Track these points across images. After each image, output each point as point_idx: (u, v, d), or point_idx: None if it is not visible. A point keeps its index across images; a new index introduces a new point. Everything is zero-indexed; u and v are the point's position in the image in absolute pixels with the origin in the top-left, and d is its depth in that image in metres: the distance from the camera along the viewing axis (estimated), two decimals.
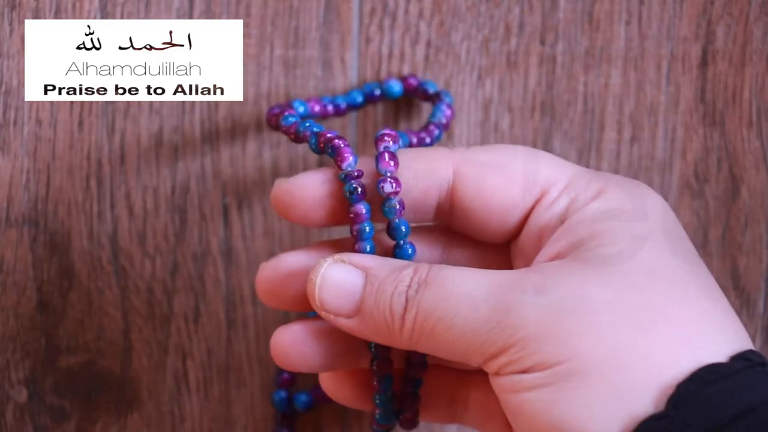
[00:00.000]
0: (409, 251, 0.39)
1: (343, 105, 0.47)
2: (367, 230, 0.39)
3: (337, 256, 0.38)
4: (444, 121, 0.46)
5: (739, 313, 0.50)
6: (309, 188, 0.39)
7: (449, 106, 0.47)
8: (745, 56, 0.49)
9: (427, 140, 0.44)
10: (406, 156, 0.40)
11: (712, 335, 0.35)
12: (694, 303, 0.35)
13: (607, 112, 0.49)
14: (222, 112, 0.48)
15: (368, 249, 0.39)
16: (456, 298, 0.36)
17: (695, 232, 0.50)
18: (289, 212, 0.39)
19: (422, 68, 0.48)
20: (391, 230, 0.39)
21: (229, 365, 0.50)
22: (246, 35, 0.48)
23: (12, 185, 0.48)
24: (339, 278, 0.38)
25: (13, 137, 0.48)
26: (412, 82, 0.48)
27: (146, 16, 0.47)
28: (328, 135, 0.39)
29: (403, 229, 0.39)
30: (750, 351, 0.34)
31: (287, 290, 0.40)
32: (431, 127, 0.45)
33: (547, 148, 0.49)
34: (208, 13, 0.47)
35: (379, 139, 0.39)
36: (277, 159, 0.49)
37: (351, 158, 0.39)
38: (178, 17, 0.47)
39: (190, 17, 0.47)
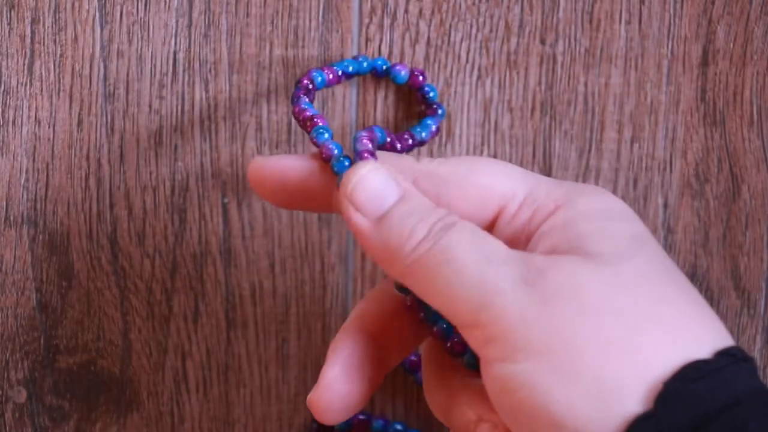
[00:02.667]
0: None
1: (350, 69, 0.47)
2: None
3: (385, 165, 0.39)
4: (424, 135, 0.47)
5: (739, 313, 0.50)
6: (289, 171, 0.40)
7: (437, 125, 0.47)
8: (745, 56, 0.49)
9: (398, 146, 0.44)
10: None
11: (697, 333, 0.35)
12: (680, 303, 0.36)
13: (607, 111, 0.49)
14: (222, 112, 0.48)
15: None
16: (476, 249, 0.36)
17: (696, 232, 0.50)
18: (262, 188, 0.41)
19: (422, 68, 0.48)
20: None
21: (228, 365, 0.50)
22: (246, 35, 0.48)
23: (11, 185, 0.48)
24: (378, 183, 0.38)
25: (12, 137, 0.48)
26: (418, 78, 0.48)
27: (146, 16, 0.47)
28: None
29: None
30: (733, 347, 0.35)
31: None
32: (405, 135, 0.46)
33: (547, 148, 0.49)
34: (208, 13, 0.47)
35: (357, 140, 0.40)
36: None
37: None
38: (178, 17, 0.47)
39: (190, 17, 0.47)
